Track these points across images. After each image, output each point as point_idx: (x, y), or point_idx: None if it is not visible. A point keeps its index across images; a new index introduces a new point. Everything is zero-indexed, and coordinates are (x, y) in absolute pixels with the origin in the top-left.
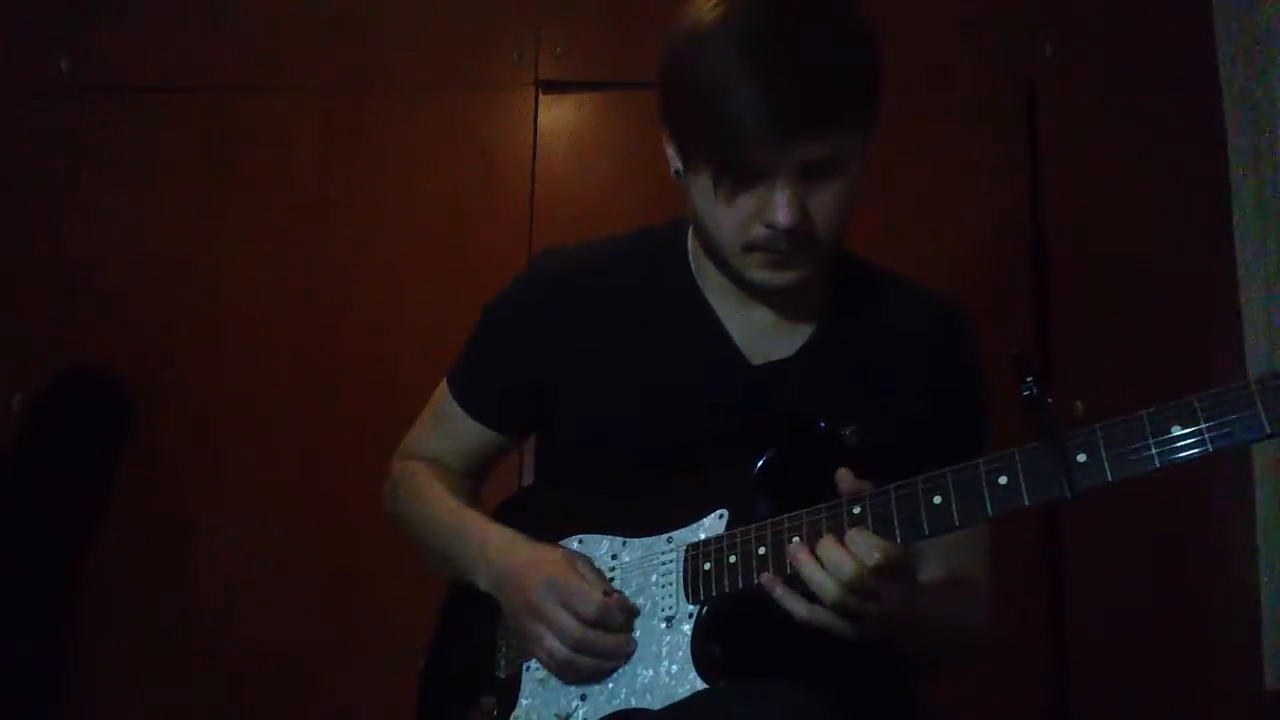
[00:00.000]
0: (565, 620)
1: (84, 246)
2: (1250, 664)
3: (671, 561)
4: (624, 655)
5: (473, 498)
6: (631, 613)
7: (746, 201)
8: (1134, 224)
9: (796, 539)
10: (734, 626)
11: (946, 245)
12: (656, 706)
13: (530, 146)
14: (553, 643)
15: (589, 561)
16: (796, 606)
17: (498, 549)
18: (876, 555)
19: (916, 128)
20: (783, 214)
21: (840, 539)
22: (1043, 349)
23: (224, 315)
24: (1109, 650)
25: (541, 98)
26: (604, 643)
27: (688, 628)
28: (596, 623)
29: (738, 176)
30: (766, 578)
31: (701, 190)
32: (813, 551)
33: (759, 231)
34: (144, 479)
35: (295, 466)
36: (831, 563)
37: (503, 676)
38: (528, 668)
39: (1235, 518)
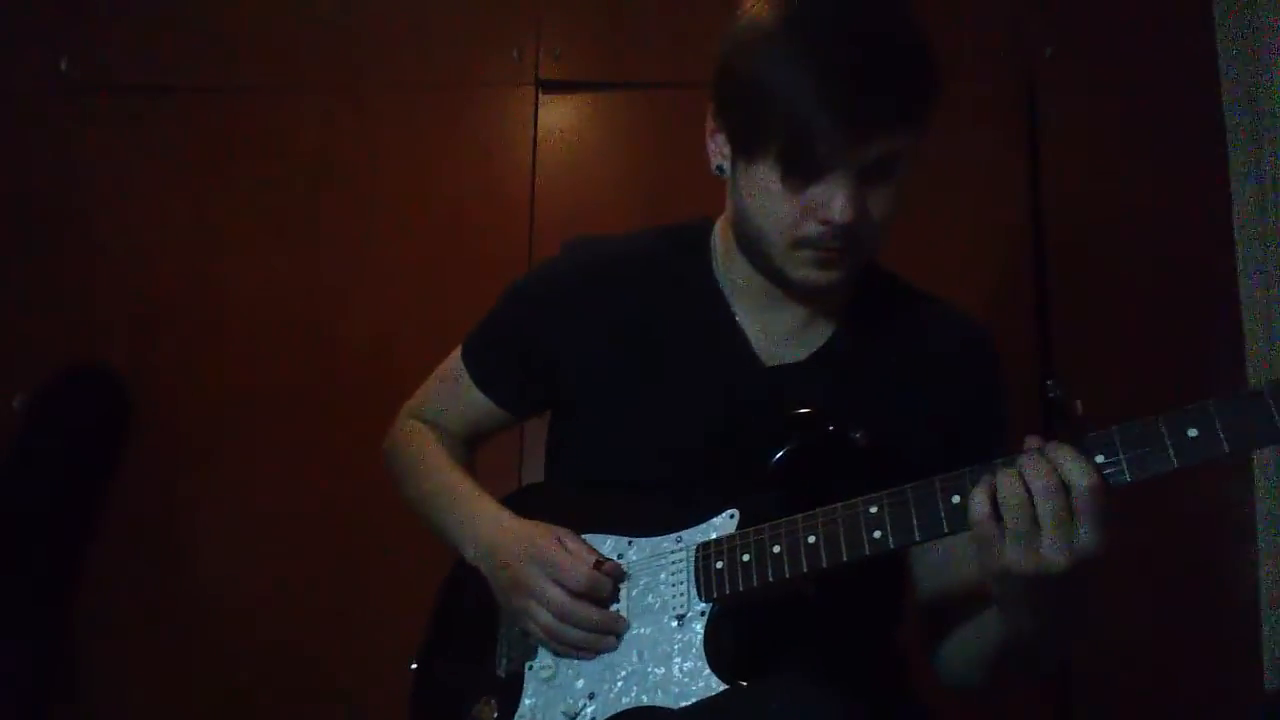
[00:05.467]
0: (552, 591)
1: (84, 246)
2: (1250, 664)
3: (681, 560)
4: (615, 631)
5: (469, 466)
6: (620, 579)
7: (808, 196)
8: (1134, 223)
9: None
10: (746, 624)
11: (946, 245)
12: (674, 704)
13: (530, 146)
14: (540, 612)
15: (575, 534)
16: (1016, 555)
17: (485, 522)
18: (1091, 479)
19: None
20: (842, 210)
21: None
22: (1043, 349)
23: (224, 315)
24: (1109, 650)
25: (541, 98)
26: (592, 614)
27: (700, 625)
28: (586, 594)
29: (805, 169)
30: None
31: (756, 183)
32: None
33: (813, 228)
34: (144, 478)
35: (296, 466)
36: (1040, 488)
37: (503, 675)
38: (530, 667)
39: (1235, 518)
